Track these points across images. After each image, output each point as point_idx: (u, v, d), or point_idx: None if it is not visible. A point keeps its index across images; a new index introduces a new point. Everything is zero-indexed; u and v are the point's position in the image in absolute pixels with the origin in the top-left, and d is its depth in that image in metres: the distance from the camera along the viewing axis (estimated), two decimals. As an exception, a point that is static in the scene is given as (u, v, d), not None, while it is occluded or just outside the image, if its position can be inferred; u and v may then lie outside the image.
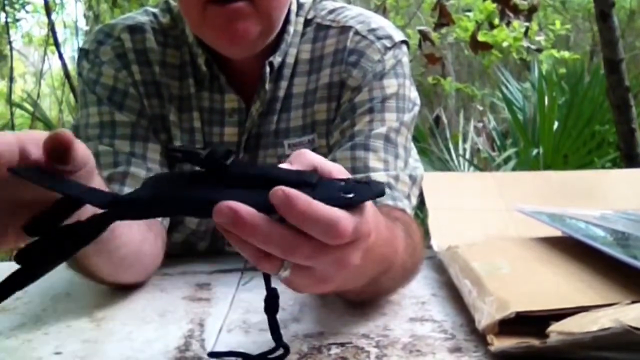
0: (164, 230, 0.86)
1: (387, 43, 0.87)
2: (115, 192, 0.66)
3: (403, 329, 0.65)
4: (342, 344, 0.61)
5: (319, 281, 0.47)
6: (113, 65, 0.87)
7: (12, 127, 4.16)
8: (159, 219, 0.83)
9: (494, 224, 0.97)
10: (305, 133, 0.88)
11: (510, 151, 3.14)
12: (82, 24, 5.52)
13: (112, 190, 0.68)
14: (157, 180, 0.50)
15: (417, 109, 0.89)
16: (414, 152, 0.90)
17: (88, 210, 0.47)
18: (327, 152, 0.87)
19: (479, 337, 0.60)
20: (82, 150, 0.48)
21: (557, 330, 0.53)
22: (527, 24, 3.42)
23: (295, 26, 0.89)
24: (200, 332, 0.66)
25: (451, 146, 3.11)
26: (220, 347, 0.60)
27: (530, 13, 3.16)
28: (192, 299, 0.77)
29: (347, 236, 0.44)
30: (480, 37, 3.60)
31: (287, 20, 0.87)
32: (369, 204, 0.48)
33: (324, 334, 0.64)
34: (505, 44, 4.63)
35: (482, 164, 3.27)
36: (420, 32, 3.50)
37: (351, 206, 0.45)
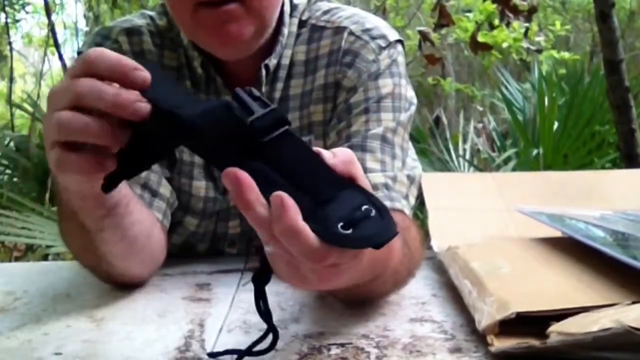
0: (166, 230, 0.86)
1: (382, 43, 0.87)
2: None
3: (403, 330, 0.65)
4: (342, 344, 0.61)
5: (300, 280, 0.48)
6: None
7: (12, 128, 4.16)
8: (160, 217, 0.83)
9: (494, 224, 0.97)
10: (302, 134, 0.88)
11: (510, 152, 3.14)
12: (82, 25, 5.54)
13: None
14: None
15: (413, 108, 0.88)
16: (411, 151, 0.90)
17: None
18: None
19: (479, 337, 0.60)
20: None
21: (558, 330, 0.53)
22: (527, 24, 3.43)
23: (290, 27, 0.89)
24: (200, 332, 0.66)
25: (451, 147, 3.11)
26: (220, 348, 0.60)
27: (530, 14, 3.16)
28: (192, 299, 0.77)
29: (324, 263, 0.45)
30: (480, 38, 3.61)
31: (281, 22, 0.87)
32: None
33: (323, 334, 0.64)
34: (505, 45, 4.63)
35: (482, 165, 3.27)
36: (420, 32, 3.51)
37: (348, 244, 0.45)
